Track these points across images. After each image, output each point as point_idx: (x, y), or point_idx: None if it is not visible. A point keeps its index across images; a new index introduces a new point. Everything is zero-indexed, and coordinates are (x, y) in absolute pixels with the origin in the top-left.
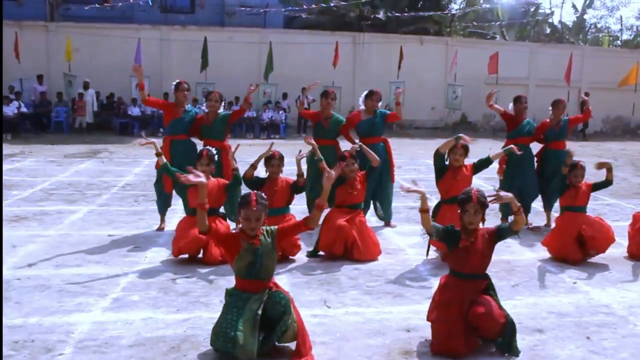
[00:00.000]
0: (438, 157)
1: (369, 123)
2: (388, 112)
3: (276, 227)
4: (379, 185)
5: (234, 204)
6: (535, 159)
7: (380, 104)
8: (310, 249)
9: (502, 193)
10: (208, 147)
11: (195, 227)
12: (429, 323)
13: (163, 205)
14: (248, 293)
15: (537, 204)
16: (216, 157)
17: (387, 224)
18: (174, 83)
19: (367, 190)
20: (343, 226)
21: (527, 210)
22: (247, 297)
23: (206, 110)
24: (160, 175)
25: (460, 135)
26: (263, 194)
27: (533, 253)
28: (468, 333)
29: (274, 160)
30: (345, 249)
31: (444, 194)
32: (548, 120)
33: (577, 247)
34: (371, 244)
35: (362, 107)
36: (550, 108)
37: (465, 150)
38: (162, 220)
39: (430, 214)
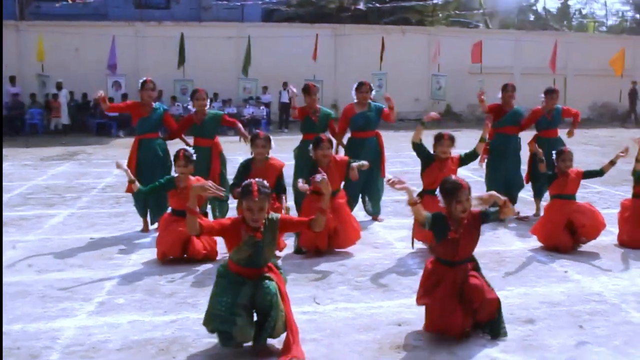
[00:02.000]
0: (417, 147)
1: (362, 117)
2: (383, 107)
3: (279, 216)
4: (369, 180)
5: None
6: (528, 147)
7: (373, 93)
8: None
9: (485, 195)
10: (185, 147)
11: (177, 226)
12: (420, 316)
13: (142, 207)
14: (243, 278)
15: (526, 193)
16: (194, 156)
17: (375, 218)
18: (140, 81)
19: (356, 184)
20: (319, 242)
21: (513, 200)
22: (242, 281)
23: (193, 110)
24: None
25: (424, 118)
26: (265, 182)
27: (523, 243)
28: (461, 311)
29: (258, 140)
30: (329, 238)
31: (428, 184)
32: (540, 108)
33: (567, 235)
34: (351, 230)
35: (355, 99)
36: (543, 96)
37: (452, 140)
38: (145, 222)
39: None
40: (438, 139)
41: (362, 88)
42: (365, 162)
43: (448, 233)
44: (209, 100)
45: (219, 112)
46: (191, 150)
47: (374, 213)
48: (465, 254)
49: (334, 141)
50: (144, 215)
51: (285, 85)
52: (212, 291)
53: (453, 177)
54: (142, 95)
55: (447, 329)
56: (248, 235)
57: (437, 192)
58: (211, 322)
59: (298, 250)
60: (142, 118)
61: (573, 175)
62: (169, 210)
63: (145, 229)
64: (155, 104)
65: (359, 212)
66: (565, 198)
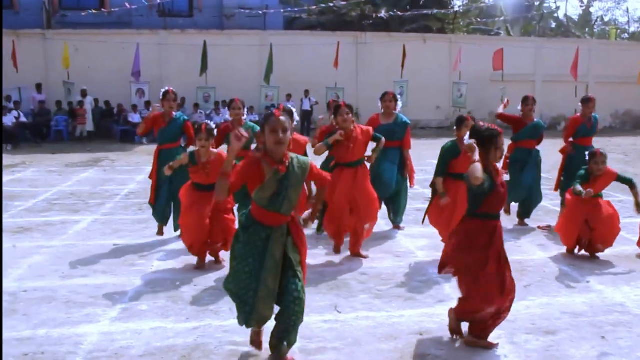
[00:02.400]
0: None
1: (387, 129)
2: (409, 123)
3: (310, 161)
4: (395, 192)
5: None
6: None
7: (399, 105)
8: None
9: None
10: (207, 121)
11: (199, 209)
12: (441, 325)
13: (161, 215)
14: (266, 228)
15: (548, 202)
16: (215, 131)
17: (397, 227)
18: (162, 91)
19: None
20: (344, 208)
21: (527, 214)
22: (266, 234)
23: (229, 119)
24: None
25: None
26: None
27: (544, 253)
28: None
29: (234, 104)
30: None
31: (451, 169)
32: (579, 116)
33: (585, 231)
34: (372, 201)
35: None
36: (580, 105)
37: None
38: (161, 226)
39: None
40: (460, 121)
41: (386, 97)
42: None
43: (495, 184)
44: (245, 110)
45: (256, 127)
46: (212, 124)
47: (397, 222)
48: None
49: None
50: (162, 221)
51: (307, 93)
52: (234, 248)
53: (482, 123)
54: (164, 105)
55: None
56: (272, 169)
57: (469, 142)
58: (233, 285)
59: (320, 229)
60: (161, 128)
61: (604, 176)
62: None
63: (160, 232)
64: (175, 114)
65: (379, 221)
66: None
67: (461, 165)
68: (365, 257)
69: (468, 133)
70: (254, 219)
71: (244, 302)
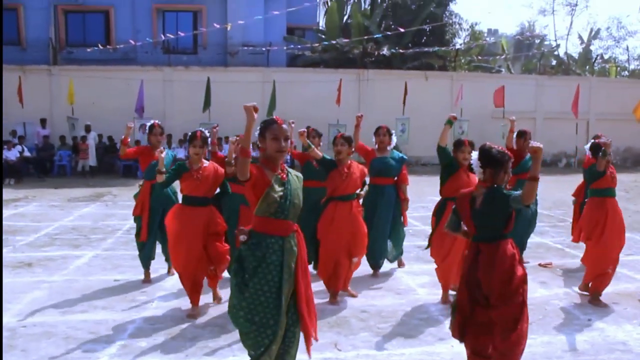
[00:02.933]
0: (442, 151)
1: (380, 162)
2: (406, 158)
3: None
4: (392, 230)
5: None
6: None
7: (394, 139)
8: None
9: None
10: (201, 129)
11: (189, 234)
12: None
13: (147, 258)
14: (278, 238)
15: (549, 239)
16: (209, 140)
17: (400, 263)
18: (148, 125)
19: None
20: (340, 256)
21: (522, 247)
22: (278, 246)
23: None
24: (139, 227)
25: (449, 117)
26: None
27: (546, 290)
28: None
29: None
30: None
31: (453, 192)
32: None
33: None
34: (363, 236)
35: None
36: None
37: (472, 146)
38: (147, 273)
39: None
40: (458, 145)
41: (379, 131)
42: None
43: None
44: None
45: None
46: (207, 132)
47: (397, 256)
48: None
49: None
50: (146, 267)
51: (308, 129)
52: (241, 273)
53: (490, 144)
54: (151, 139)
55: None
56: (274, 175)
57: (477, 163)
58: (246, 310)
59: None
60: (151, 163)
61: (612, 172)
62: (180, 199)
63: (147, 280)
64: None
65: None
66: (604, 194)
67: (463, 186)
68: (355, 296)
69: (475, 154)
70: (261, 233)
71: (264, 326)
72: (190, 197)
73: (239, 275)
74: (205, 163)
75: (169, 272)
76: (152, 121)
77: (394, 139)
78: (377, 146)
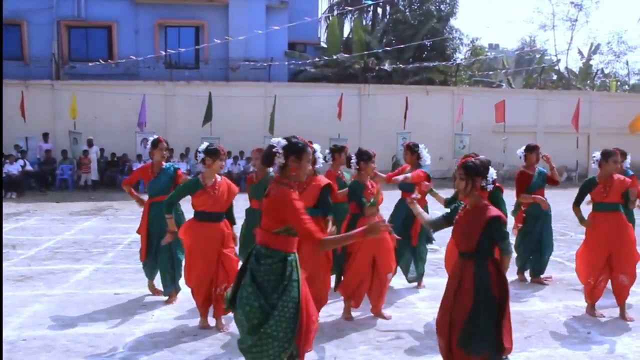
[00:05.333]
0: (449, 202)
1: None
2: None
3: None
4: (415, 248)
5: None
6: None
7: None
8: None
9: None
10: (220, 144)
11: (206, 250)
12: None
13: (152, 270)
14: (293, 254)
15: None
16: (220, 154)
17: (419, 284)
18: (151, 139)
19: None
20: (366, 274)
21: (544, 264)
22: (294, 260)
23: (253, 169)
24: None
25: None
26: None
27: (545, 304)
28: None
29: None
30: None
31: None
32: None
33: (606, 272)
34: (390, 254)
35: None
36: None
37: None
38: (152, 285)
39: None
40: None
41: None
42: None
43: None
44: (233, 158)
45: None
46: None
47: (417, 278)
48: None
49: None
50: (153, 277)
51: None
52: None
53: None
54: (155, 154)
55: None
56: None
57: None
58: (282, 327)
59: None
60: (150, 180)
61: (618, 181)
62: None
63: (155, 290)
64: (165, 165)
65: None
66: (607, 209)
67: None
68: (388, 318)
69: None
70: (281, 251)
71: (282, 340)
72: (206, 213)
73: (261, 298)
74: (219, 178)
75: (167, 301)
76: (155, 136)
77: (425, 154)
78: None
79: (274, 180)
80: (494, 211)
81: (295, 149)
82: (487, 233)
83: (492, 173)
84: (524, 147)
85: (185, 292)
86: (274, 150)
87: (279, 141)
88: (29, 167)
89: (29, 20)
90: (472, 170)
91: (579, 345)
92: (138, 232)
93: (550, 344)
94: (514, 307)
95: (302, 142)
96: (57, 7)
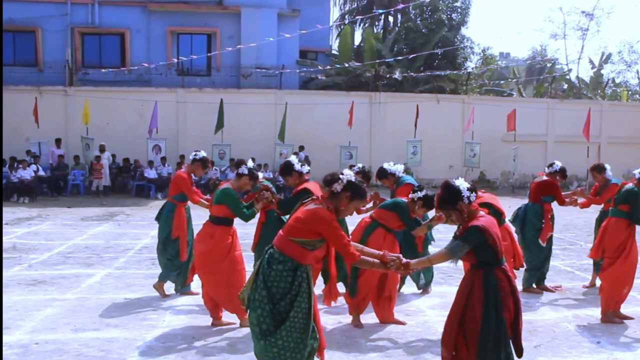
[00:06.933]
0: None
1: None
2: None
3: None
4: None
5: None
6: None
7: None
8: None
9: None
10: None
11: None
12: None
13: (183, 278)
14: (304, 267)
15: (559, 262)
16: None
17: (425, 290)
18: (200, 156)
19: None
20: (373, 287)
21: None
22: (305, 275)
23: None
24: (171, 242)
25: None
26: None
27: (555, 312)
28: None
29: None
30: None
31: None
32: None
33: None
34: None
35: None
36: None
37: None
38: (162, 287)
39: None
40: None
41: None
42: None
43: None
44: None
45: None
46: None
47: (424, 285)
48: None
49: None
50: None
51: (301, 148)
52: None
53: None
54: (198, 173)
55: None
56: None
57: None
58: (292, 339)
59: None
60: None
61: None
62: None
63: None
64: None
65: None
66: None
67: None
68: (404, 324)
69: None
70: (294, 260)
71: (295, 350)
72: (224, 218)
73: (271, 302)
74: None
75: (177, 291)
76: (203, 154)
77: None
78: None
79: (321, 197)
80: (474, 222)
81: (354, 190)
82: (475, 247)
83: (462, 183)
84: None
85: (195, 297)
86: (340, 176)
87: (349, 174)
88: (41, 173)
89: (43, 27)
90: (446, 203)
91: (589, 355)
92: (174, 236)
93: (559, 353)
94: (523, 316)
95: (364, 189)
96: (71, 14)
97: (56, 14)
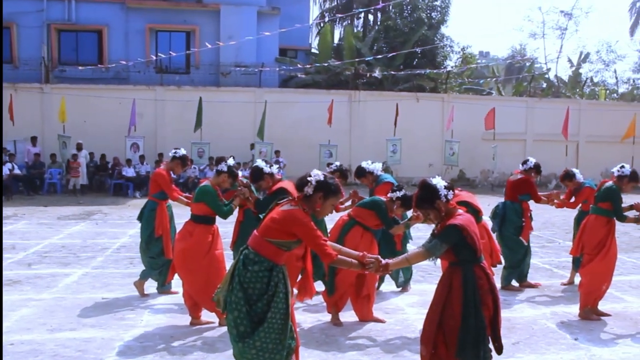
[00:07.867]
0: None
1: None
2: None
3: None
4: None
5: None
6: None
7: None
8: None
9: None
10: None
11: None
12: None
13: (164, 277)
14: (280, 267)
15: (538, 260)
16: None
17: (404, 288)
18: (180, 154)
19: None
20: (350, 286)
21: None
22: (281, 275)
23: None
24: (154, 240)
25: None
26: None
27: (533, 310)
28: None
29: None
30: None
31: None
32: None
33: None
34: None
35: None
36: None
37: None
38: (142, 287)
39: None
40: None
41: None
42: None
43: None
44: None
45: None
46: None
47: (403, 282)
48: None
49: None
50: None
51: (277, 154)
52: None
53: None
54: (176, 170)
55: None
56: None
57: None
58: (273, 340)
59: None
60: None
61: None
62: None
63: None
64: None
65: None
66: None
67: None
68: (383, 322)
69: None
70: (269, 260)
71: (274, 350)
72: (204, 217)
73: (247, 304)
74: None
75: (160, 291)
76: (183, 152)
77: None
78: None
79: (296, 198)
80: (452, 220)
81: (326, 189)
82: (454, 245)
83: (439, 182)
84: None
85: (173, 296)
86: (308, 179)
87: (317, 173)
88: (16, 171)
89: (19, 23)
90: (424, 202)
91: (566, 351)
92: (157, 234)
93: (537, 350)
94: (502, 314)
95: (335, 184)
96: (47, 10)
97: (32, 10)
